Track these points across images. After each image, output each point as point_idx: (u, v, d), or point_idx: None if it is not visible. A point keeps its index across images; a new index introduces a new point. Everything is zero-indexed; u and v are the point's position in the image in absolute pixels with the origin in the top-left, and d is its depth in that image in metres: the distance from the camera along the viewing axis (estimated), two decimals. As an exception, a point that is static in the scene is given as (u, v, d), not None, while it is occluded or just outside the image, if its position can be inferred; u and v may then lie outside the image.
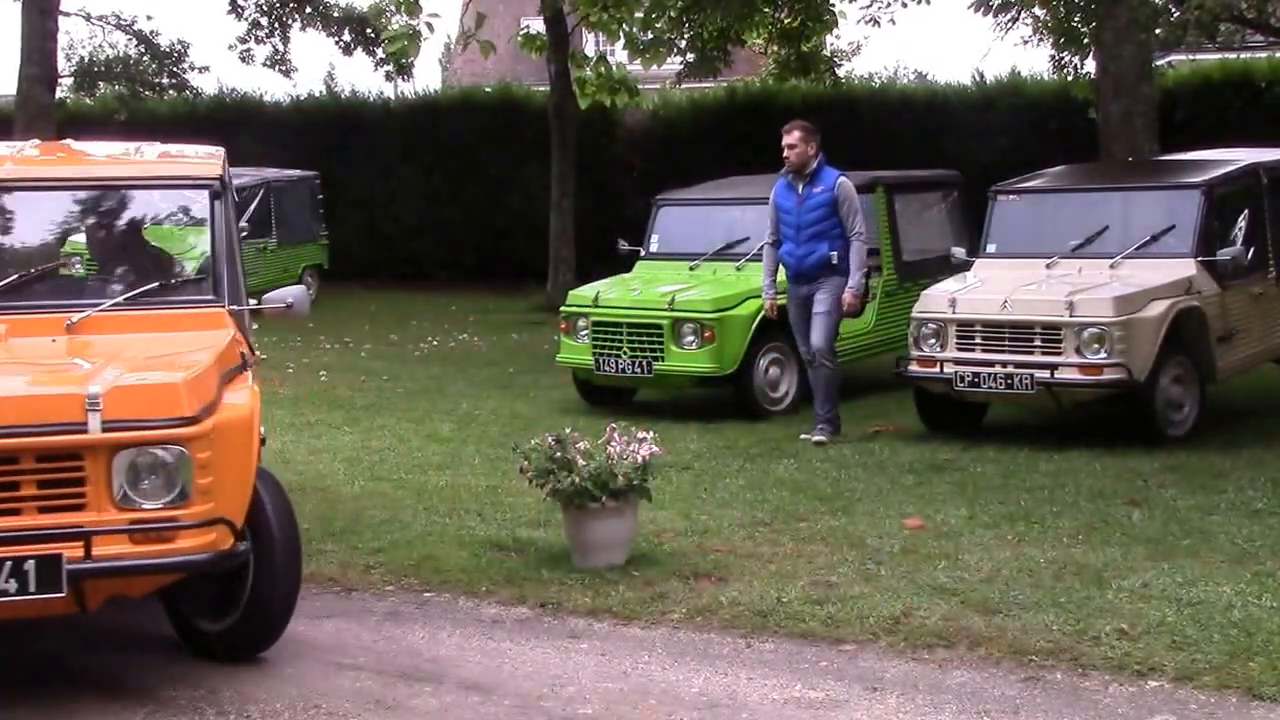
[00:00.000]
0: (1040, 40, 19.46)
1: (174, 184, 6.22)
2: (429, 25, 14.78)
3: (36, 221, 6.10)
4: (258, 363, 6.04)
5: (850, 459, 8.91)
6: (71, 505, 4.72)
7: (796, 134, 9.65)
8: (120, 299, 5.68)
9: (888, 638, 5.44)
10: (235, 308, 5.81)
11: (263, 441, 5.27)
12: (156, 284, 5.78)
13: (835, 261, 9.57)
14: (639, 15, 16.59)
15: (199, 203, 6.06)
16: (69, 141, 6.76)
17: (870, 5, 20.18)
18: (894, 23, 25.62)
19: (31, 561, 4.58)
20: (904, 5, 20.08)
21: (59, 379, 5.04)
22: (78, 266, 6.00)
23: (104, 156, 6.53)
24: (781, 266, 9.89)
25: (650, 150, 22.43)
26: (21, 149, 6.57)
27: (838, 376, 9.73)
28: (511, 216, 22.32)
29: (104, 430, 4.67)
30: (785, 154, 9.70)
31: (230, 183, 6.22)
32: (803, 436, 9.52)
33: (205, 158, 6.39)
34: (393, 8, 17.16)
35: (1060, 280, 9.32)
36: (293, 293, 6.07)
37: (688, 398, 11.30)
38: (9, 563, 4.57)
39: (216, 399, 5.00)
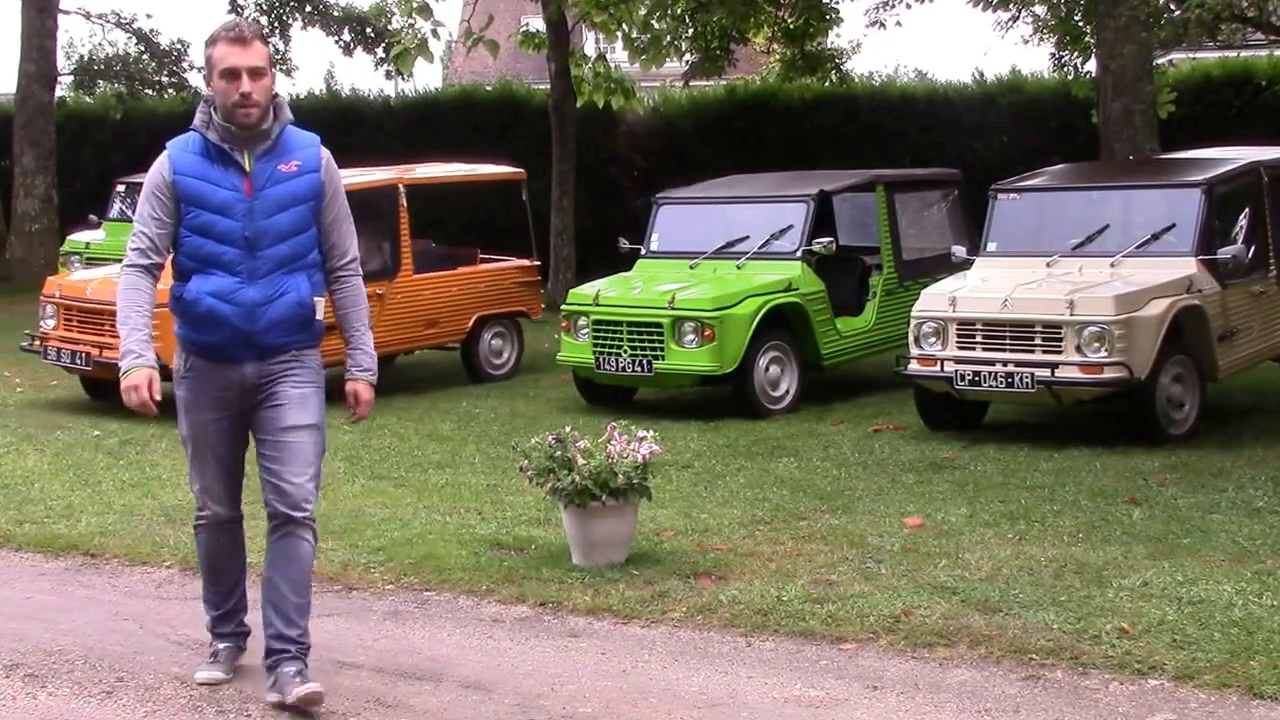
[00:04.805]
0: (1041, 39, 19.45)
1: None
2: (434, 32, 14.80)
3: None
4: None
5: (850, 458, 8.90)
6: None
7: None
8: None
9: (888, 636, 5.43)
10: None
11: None
12: None
13: None
14: (641, 14, 16.59)
15: None
16: None
17: (877, 8, 20.20)
18: (900, 24, 25.60)
19: None
20: (908, 6, 20.12)
21: None
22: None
23: None
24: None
25: (651, 149, 22.41)
26: None
27: None
28: (512, 214, 22.30)
29: None
30: None
31: None
32: None
33: None
34: (397, 10, 17.19)
35: (1061, 279, 9.31)
36: None
37: (688, 397, 11.30)
38: None
39: None
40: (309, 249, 4.90)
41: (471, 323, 12.64)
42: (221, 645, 5.16)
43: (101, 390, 11.21)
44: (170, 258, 4.91)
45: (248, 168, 4.79)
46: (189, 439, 4.99)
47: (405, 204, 12.18)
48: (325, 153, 4.94)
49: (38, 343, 11.45)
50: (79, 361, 10.98)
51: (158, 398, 4.79)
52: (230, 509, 5.07)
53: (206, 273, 4.81)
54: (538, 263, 13.64)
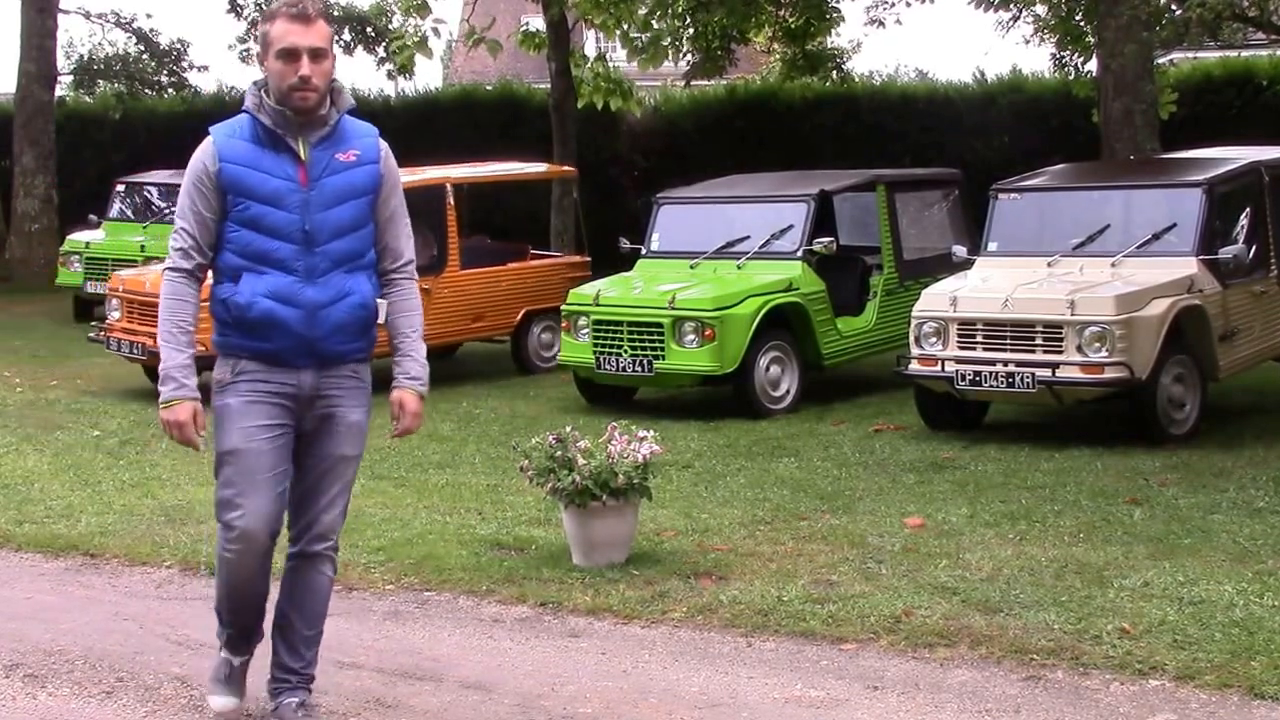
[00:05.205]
0: (1042, 39, 19.45)
1: None
2: (435, 30, 14.81)
3: None
4: None
5: (851, 458, 8.90)
6: None
7: None
8: None
9: (889, 637, 5.43)
10: None
11: None
12: None
13: None
14: (641, 13, 16.60)
15: None
16: None
17: (876, 7, 20.21)
18: (900, 23, 25.63)
19: None
20: (907, 4, 20.12)
21: None
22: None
23: None
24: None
25: (651, 148, 22.42)
26: None
27: None
28: (512, 214, 22.31)
29: None
30: None
31: None
32: None
33: None
34: (398, 10, 17.20)
35: (1061, 279, 9.31)
36: None
37: (688, 396, 11.29)
38: None
39: None
40: (368, 246, 4.49)
41: (520, 317, 12.94)
42: (238, 661, 4.68)
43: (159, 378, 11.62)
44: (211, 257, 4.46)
45: (303, 155, 4.36)
46: (234, 453, 4.35)
47: (453, 202, 12.50)
48: (384, 144, 4.55)
49: (103, 334, 12.14)
50: (137, 351, 11.69)
51: (202, 433, 4.38)
52: (272, 536, 4.44)
53: (259, 271, 4.34)
54: (588, 258, 13.74)
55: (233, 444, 4.36)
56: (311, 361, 4.39)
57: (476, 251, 13.08)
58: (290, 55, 4.29)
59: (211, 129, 4.42)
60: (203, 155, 4.38)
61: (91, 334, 12.60)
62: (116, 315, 12.01)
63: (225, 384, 4.40)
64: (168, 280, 4.42)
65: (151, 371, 11.92)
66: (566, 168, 14.96)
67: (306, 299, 4.34)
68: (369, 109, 24.08)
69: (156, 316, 4.54)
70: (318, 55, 4.33)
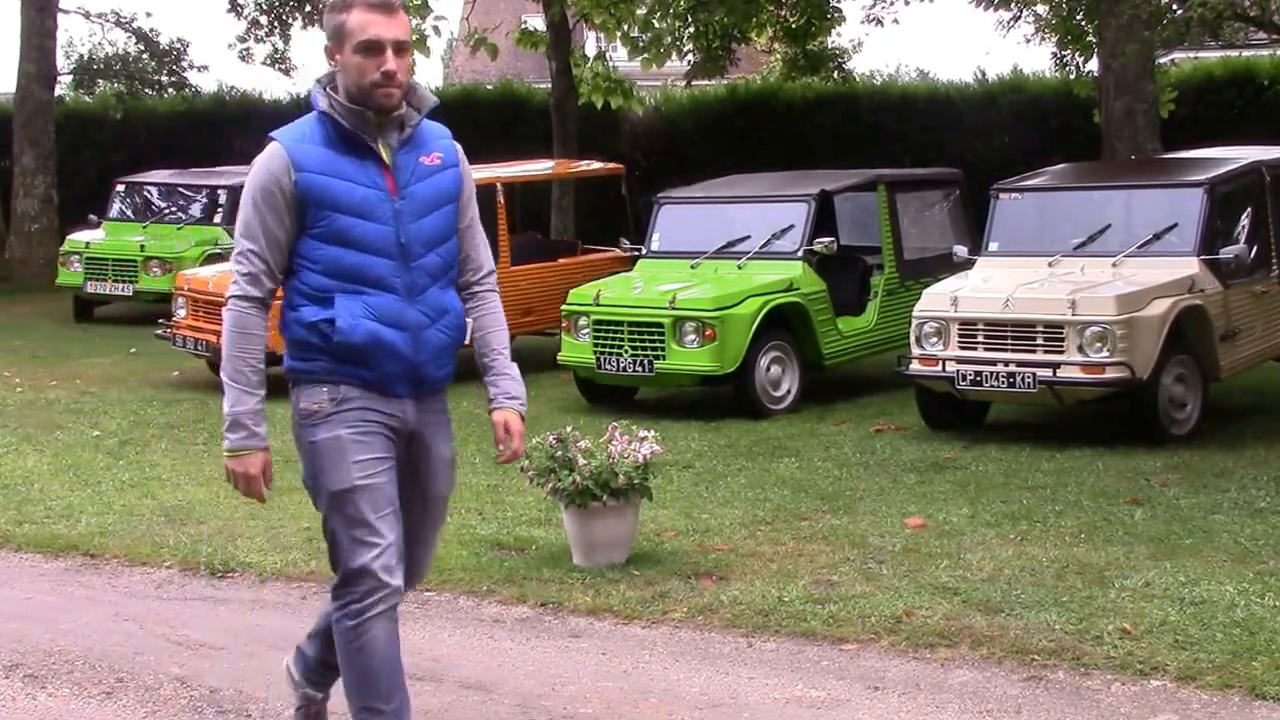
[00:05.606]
0: (1043, 38, 19.46)
1: None
2: (436, 29, 14.83)
3: None
4: None
5: (852, 458, 8.89)
6: None
7: None
8: None
9: (889, 637, 5.42)
10: None
11: None
12: None
13: None
14: (641, 13, 16.60)
15: None
16: None
17: (875, 5, 20.22)
18: (897, 22, 25.65)
19: None
20: (906, 3, 20.13)
21: None
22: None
23: None
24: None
25: (652, 148, 22.42)
26: None
27: None
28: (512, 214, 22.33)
29: None
30: None
31: None
32: None
33: None
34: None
35: (1062, 279, 9.30)
36: None
37: (689, 396, 11.29)
38: None
39: None
40: (455, 258, 4.04)
41: None
42: None
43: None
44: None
45: (388, 160, 3.90)
46: (355, 490, 3.83)
47: (503, 201, 12.75)
48: (458, 146, 4.10)
49: (170, 331, 12.67)
50: (200, 348, 12.18)
51: (268, 487, 3.96)
52: (400, 580, 3.91)
53: (354, 291, 3.83)
54: (640, 251, 13.83)
55: (351, 481, 3.83)
56: (410, 389, 3.93)
57: (527, 248, 13.40)
58: (372, 49, 3.80)
59: (276, 135, 3.90)
60: (271, 166, 3.83)
61: (159, 331, 13.06)
62: (182, 313, 12.54)
63: (326, 414, 3.87)
64: (236, 310, 3.86)
65: (214, 366, 12.27)
66: (614, 165, 15.18)
67: (410, 320, 3.88)
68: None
69: (219, 313, 4.22)
70: (401, 49, 3.85)
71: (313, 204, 3.81)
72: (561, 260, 13.58)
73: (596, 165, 15.68)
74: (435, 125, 4.05)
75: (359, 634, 3.84)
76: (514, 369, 4.17)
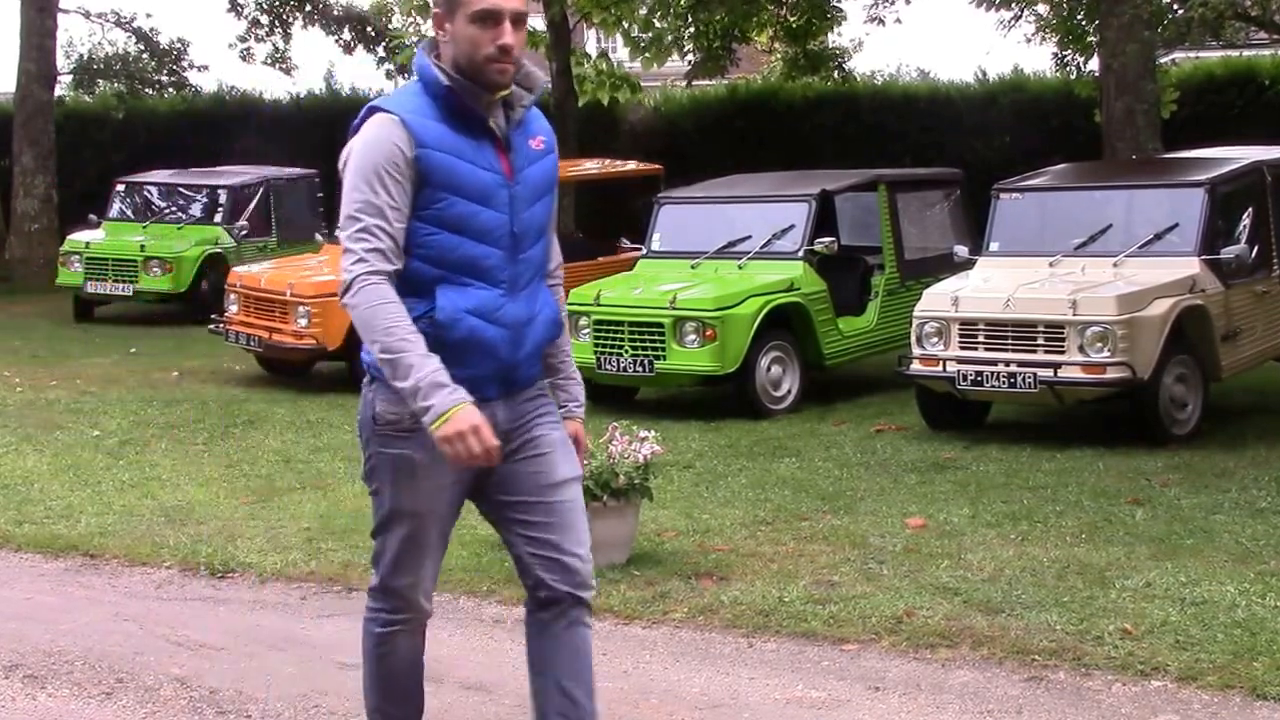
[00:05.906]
0: (1043, 38, 19.45)
1: None
2: None
3: None
4: None
5: (852, 458, 8.89)
6: None
7: None
8: None
9: (890, 637, 5.42)
10: None
11: None
12: None
13: None
14: (641, 12, 16.61)
15: None
16: None
17: (875, 5, 20.21)
18: (899, 21, 25.60)
19: None
20: (907, 2, 20.13)
21: None
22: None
23: None
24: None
25: (652, 148, 22.40)
26: None
27: None
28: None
29: None
30: None
31: None
32: None
33: None
34: (398, 9, 17.22)
35: (1063, 279, 9.30)
36: None
37: (689, 396, 11.28)
38: None
39: None
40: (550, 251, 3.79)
41: None
42: None
43: (272, 367, 12.89)
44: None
45: (506, 141, 3.58)
46: (414, 516, 3.63)
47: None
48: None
49: (223, 326, 12.92)
50: (252, 343, 12.44)
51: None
52: (431, 603, 3.81)
53: (461, 284, 3.51)
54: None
55: (414, 505, 3.61)
56: (500, 391, 3.60)
57: (566, 246, 13.18)
58: (489, 19, 3.46)
59: (387, 104, 3.52)
60: (390, 136, 3.45)
61: (211, 326, 13.29)
62: (234, 309, 12.77)
63: (404, 429, 3.54)
64: (369, 285, 3.41)
65: (267, 362, 12.90)
66: (654, 165, 15.21)
67: (510, 316, 3.57)
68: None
69: (269, 309, 3.95)
70: (520, 20, 3.53)
71: (432, 184, 3.46)
72: (599, 259, 13.61)
73: (634, 165, 15.72)
74: (533, 107, 3.75)
75: (383, 641, 3.82)
76: (578, 372, 3.93)
